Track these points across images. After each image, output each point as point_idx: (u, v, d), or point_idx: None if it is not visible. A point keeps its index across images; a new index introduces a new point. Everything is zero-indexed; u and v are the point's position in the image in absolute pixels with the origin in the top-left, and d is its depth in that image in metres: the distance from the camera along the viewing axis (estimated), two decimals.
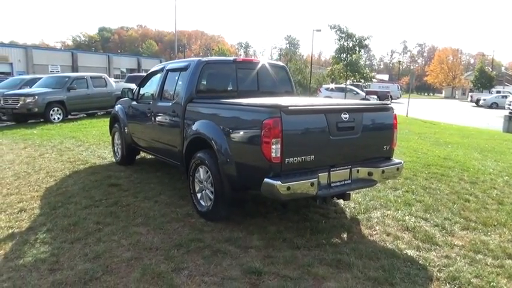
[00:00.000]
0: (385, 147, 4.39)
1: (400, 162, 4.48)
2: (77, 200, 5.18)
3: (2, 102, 13.85)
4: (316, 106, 3.94)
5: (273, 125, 3.48)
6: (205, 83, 5.04)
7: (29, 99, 13.44)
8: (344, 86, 25.53)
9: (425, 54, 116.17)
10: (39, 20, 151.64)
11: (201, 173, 4.49)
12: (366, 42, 22.72)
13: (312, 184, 3.61)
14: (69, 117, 14.82)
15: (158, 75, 5.89)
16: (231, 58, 5.30)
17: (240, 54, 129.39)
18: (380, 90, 29.29)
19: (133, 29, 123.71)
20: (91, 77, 15.52)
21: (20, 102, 13.42)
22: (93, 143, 9.49)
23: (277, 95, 5.46)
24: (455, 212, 4.91)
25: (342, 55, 23.33)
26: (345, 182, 4.06)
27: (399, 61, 76.23)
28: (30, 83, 16.14)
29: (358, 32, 22.77)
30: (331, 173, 3.92)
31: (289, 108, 3.59)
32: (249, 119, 3.84)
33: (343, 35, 22.49)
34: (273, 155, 3.51)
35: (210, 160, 4.25)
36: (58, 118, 13.94)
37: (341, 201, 5.18)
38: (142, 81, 6.45)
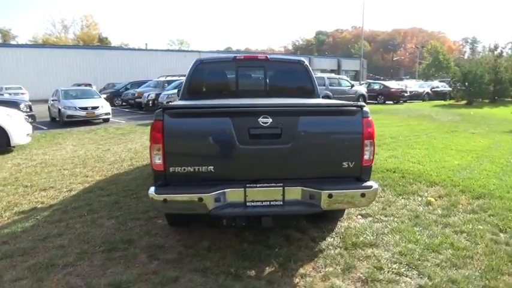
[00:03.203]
0: (345, 163, 3.25)
1: (371, 187, 3.24)
2: (113, 187, 5.83)
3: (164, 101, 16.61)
4: (219, 108, 3.26)
5: (154, 129, 3.12)
6: (198, 83, 4.82)
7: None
8: None
9: None
10: (267, 29, 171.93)
11: None
12: None
13: (201, 199, 3.06)
14: None
15: None
16: (232, 56, 4.88)
17: (465, 51, 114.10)
18: None
19: (348, 30, 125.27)
20: None
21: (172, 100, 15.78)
22: None
23: (290, 95, 4.73)
24: (495, 267, 3.24)
25: None
26: (273, 203, 3.23)
27: None
28: None
29: None
30: (247, 189, 3.20)
31: (175, 110, 3.13)
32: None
33: None
34: (154, 162, 3.15)
35: None
36: None
37: (354, 225, 4.17)
38: None
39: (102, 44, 70.16)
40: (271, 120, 3.12)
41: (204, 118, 3.20)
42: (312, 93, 4.85)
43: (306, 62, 4.94)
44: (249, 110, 3.21)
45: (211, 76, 4.90)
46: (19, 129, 9.03)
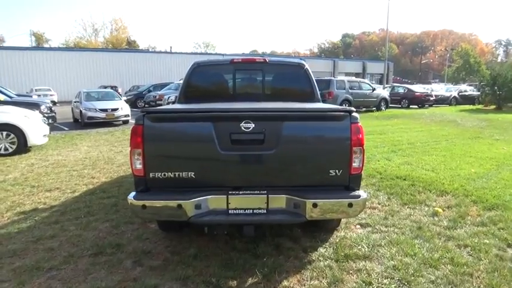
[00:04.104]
0: (332, 171, 3.09)
1: (359, 196, 3.08)
2: (115, 190, 5.85)
3: None
4: (201, 112, 3.16)
5: (134, 133, 3.06)
6: (195, 86, 4.75)
7: None
8: None
9: None
10: (294, 32, 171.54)
11: None
12: None
13: (180, 206, 2.97)
14: None
15: None
16: (229, 59, 4.78)
17: (498, 54, 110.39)
18: None
19: (375, 33, 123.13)
20: None
21: None
22: None
23: (288, 99, 4.58)
24: (495, 286, 3.02)
25: None
26: (257, 211, 3.12)
27: None
28: None
29: None
30: (230, 196, 3.10)
31: (156, 114, 3.06)
32: None
33: None
34: (134, 167, 3.10)
35: None
36: None
37: (350, 236, 4.00)
38: None
39: (131, 47, 71.75)
40: (253, 125, 3.01)
41: (185, 123, 3.12)
42: (312, 97, 4.69)
43: (306, 65, 4.80)
44: (231, 114, 3.11)
45: (209, 79, 4.81)
46: (36, 130, 9.25)
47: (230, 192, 3.10)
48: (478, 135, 11.71)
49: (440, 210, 4.85)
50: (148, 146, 3.03)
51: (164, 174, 3.06)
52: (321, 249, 3.74)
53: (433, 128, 13.72)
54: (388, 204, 5.09)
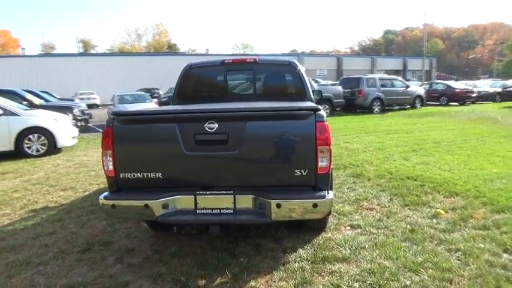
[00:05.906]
0: (298, 171, 3.04)
1: (324, 196, 3.01)
2: None
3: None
4: (166, 114, 3.21)
5: (105, 135, 3.18)
6: (188, 88, 4.83)
7: None
8: None
9: None
10: (334, 30, 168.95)
11: None
12: None
13: (147, 206, 3.06)
14: None
15: None
16: (220, 60, 4.80)
17: None
18: None
19: (419, 28, 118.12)
20: None
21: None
22: None
23: (279, 98, 4.55)
24: None
25: None
26: (224, 211, 3.14)
27: None
28: None
29: None
30: (198, 196, 3.14)
31: (124, 117, 3.15)
32: None
33: None
34: (106, 168, 3.22)
35: None
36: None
37: (336, 237, 3.91)
38: None
39: (171, 50, 73.84)
40: (217, 125, 3.04)
41: (151, 124, 3.20)
42: (303, 96, 4.63)
43: (299, 66, 4.73)
44: (194, 115, 3.15)
45: (201, 81, 4.89)
46: (65, 132, 9.79)
47: (198, 192, 3.14)
48: None
49: (442, 212, 4.63)
50: (117, 147, 3.13)
51: (134, 175, 3.16)
52: (301, 251, 3.69)
53: (466, 126, 13.05)
54: (388, 206, 4.92)
